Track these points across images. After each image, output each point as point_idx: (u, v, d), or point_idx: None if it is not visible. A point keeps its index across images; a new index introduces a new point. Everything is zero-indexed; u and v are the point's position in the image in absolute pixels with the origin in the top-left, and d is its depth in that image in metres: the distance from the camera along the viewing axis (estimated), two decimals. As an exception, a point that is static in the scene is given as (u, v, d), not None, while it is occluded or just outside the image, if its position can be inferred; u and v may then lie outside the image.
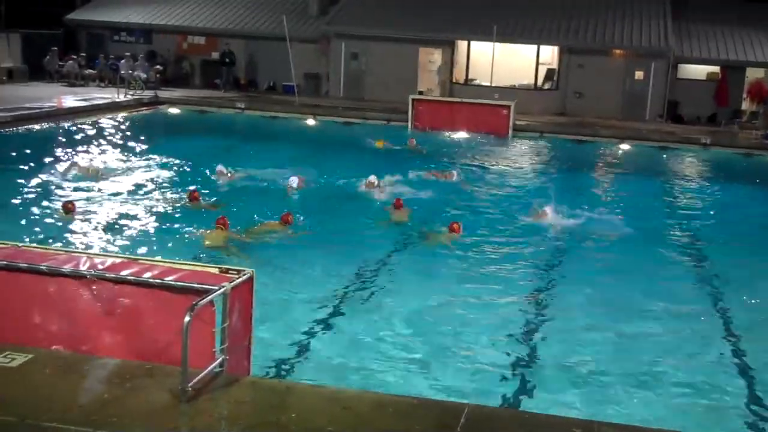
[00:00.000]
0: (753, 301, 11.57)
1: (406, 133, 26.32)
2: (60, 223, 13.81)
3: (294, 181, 17.12)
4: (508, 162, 23.44)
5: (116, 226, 13.94)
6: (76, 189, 16.51)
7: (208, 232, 13.25)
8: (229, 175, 17.99)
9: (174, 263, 7.03)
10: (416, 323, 10.17)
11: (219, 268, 6.87)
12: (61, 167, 18.37)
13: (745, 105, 32.20)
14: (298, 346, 9.29)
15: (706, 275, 13.18)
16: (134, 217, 14.59)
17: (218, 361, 6.36)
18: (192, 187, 16.41)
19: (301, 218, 14.63)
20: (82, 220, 14.13)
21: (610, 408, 8.03)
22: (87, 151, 21.10)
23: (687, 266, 13.70)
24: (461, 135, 26.90)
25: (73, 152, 20.73)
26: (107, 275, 6.69)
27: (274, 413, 5.93)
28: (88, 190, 16.52)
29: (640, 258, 13.68)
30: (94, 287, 6.72)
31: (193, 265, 7.12)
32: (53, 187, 16.52)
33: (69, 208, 14.30)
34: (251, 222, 14.21)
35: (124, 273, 6.68)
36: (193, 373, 6.00)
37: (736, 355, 9.76)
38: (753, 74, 32.36)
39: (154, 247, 12.62)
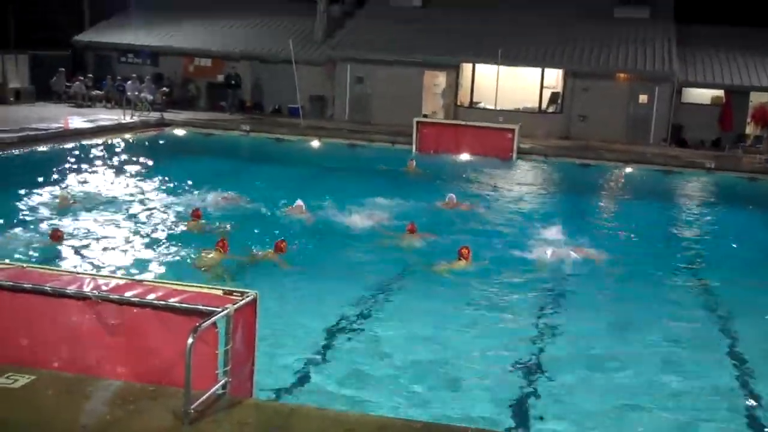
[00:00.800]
0: (758, 326, 11.53)
1: (408, 156, 26.37)
2: (62, 246, 13.84)
3: (300, 207, 16.86)
4: (513, 185, 23.44)
5: (119, 248, 13.97)
6: (80, 210, 16.58)
7: (206, 253, 13.26)
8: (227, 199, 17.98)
9: (177, 285, 7.05)
10: (421, 348, 10.15)
11: (223, 289, 6.88)
12: (65, 189, 18.45)
13: (750, 129, 32.19)
14: (302, 368, 9.28)
15: (711, 300, 13.15)
16: (138, 239, 14.62)
17: (221, 383, 6.36)
18: (195, 207, 16.46)
19: (296, 244, 14.46)
20: (85, 242, 14.17)
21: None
22: (93, 172, 21.19)
23: (691, 291, 13.65)
24: (466, 158, 26.93)
25: (79, 173, 20.82)
26: (111, 296, 6.71)
27: (277, 436, 5.93)
28: (93, 211, 16.56)
29: (644, 283, 13.66)
30: (98, 308, 6.74)
31: (197, 286, 7.14)
32: (57, 209, 16.57)
33: (57, 236, 13.94)
34: (251, 246, 14.16)
35: (127, 294, 6.70)
36: (196, 395, 6.01)
37: (742, 381, 9.73)
38: (757, 99, 32.36)
39: (158, 269, 12.67)
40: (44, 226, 15.02)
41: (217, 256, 13.08)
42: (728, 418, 8.70)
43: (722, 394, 9.31)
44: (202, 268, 12.70)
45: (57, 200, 17.14)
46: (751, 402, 9.11)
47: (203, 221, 15.84)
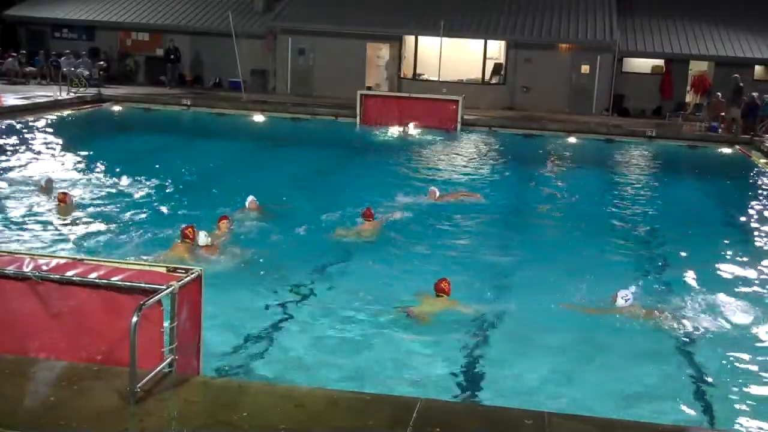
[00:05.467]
0: (697, 288, 11.71)
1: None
2: (1, 226, 13.49)
3: (251, 202, 14.94)
4: (457, 156, 23.49)
5: (61, 228, 13.64)
6: (17, 190, 16.18)
7: (210, 232, 12.61)
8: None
9: (121, 263, 6.92)
10: (369, 320, 10.10)
11: (167, 267, 6.78)
12: (1, 167, 18.01)
13: (689, 98, 32.76)
14: (250, 345, 9.19)
15: (653, 264, 13.38)
16: (78, 218, 14.27)
17: (167, 361, 6.27)
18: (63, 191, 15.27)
19: (242, 226, 14.15)
20: (25, 222, 13.83)
21: (563, 400, 8.07)
22: (29, 151, 20.67)
23: (634, 256, 13.84)
24: (410, 130, 26.86)
25: (14, 152, 20.31)
26: (52, 276, 6.55)
27: (226, 412, 5.86)
28: (29, 190, 16.14)
29: (587, 248, 13.77)
30: (39, 288, 6.57)
31: (140, 264, 7.03)
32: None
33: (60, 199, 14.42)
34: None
35: (69, 274, 6.54)
36: (142, 374, 5.92)
37: (682, 342, 9.89)
38: (697, 67, 32.95)
39: (98, 247, 12.38)
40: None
41: (220, 233, 12.78)
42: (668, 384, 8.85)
43: (663, 359, 9.44)
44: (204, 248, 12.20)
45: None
46: (691, 365, 9.27)
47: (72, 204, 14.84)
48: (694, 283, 12.00)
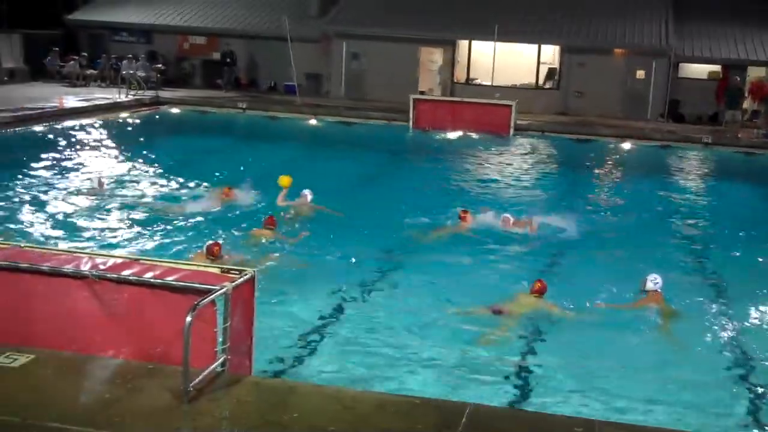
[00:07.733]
0: (754, 298, 11.53)
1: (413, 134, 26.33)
2: (61, 225, 13.80)
3: (308, 196, 15.58)
4: (510, 161, 23.40)
5: (118, 227, 13.91)
6: (77, 190, 16.51)
7: (258, 231, 13.12)
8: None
9: (175, 263, 7.03)
10: (419, 324, 10.13)
11: (220, 267, 6.87)
12: (62, 168, 18.38)
13: (747, 104, 32.15)
14: (301, 346, 9.27)
15: (708, 274, 13.19)
16: (135, 218, 14.54)
17: (220, 361, 6.35)
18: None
19: (296, 225, 14.38)
20: (84, 222, 14.12)
21: (612, 408, 8.01)
22: (88, 152, 21.08)
23: (688, 265, 13.68)
24: (463, 134, 26.82)
25: (75, 153, 20.73)
26: (109, 275, 6.67)
27: (276, 413, 5.92)
28: (89, 191, 16.48)
29: (641, 258, 13.60)
30: (95, 287, 6.71)
31: (194, 265, 7.12)
32: (55, 189, 16.50)
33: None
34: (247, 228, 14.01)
35: (125, 273, 6.67)
36: (194, 373, 5.99)
37: (737, 354, 9.75)
38: (754, 73, 32.33)
39: (156, 247, 12.60)
40: (40, 205, 14.97)
41: (269, 234, 12.98)
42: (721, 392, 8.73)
43: (717, 375, 9.30)
44: (255, 246, 12.48)
45: (55, 178, 16.99)
46: (747, 382, 9.12)
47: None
48: (748, 292, 11.82)
